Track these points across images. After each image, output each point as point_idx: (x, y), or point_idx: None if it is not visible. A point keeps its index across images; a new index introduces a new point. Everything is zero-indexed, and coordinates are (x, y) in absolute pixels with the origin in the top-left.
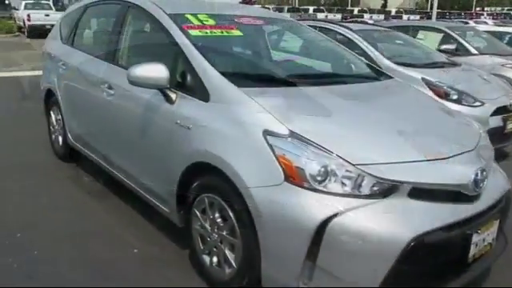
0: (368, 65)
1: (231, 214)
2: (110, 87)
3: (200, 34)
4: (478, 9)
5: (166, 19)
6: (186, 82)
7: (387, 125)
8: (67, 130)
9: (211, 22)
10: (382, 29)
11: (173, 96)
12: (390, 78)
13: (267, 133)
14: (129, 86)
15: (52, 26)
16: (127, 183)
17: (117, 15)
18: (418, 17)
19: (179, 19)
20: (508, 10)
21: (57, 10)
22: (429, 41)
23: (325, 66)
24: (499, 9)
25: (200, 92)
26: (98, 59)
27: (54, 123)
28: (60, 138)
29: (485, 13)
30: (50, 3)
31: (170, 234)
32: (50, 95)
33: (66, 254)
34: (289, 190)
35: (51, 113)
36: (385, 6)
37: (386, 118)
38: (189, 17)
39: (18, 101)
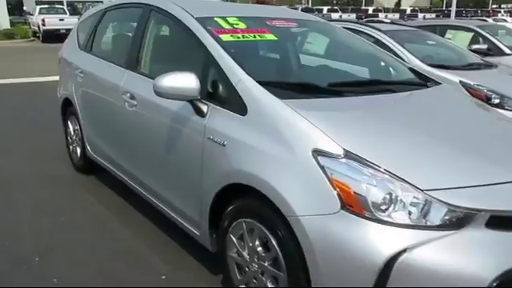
0: (410, 69)
1: (275, 243)
2: (132, 97)
3: (232, 38)
4: (494, 6)
5: (193, 23)
6: (218, 93)
7: (454, 141)
8: (86, 142)
9: (242, 25)
10: (412, 29)
11: (204, 108)
12: (438, 83)
13: (318, 152)
14: (153, 97)
15: (67, 30)
16: (152, 201)
17: (138, 20)
18: (433, 15)
19: (208, 23)
20: None
21: (71, 14)
22: (458, 41)
23: (363, 72)
24: None
25: (235, 104)
26: (118, 67)
27: (72, 134)
28: (78, 150)
29: (502, 10)
30: (65, 8)
31: (201, 259)
32: (67, 104)
33: (90, 282)
34: (347, 220)
35: (69, 123)
36: (398, 4)
37: (451, 132)
38: (218, 20)
39: (36, 108)
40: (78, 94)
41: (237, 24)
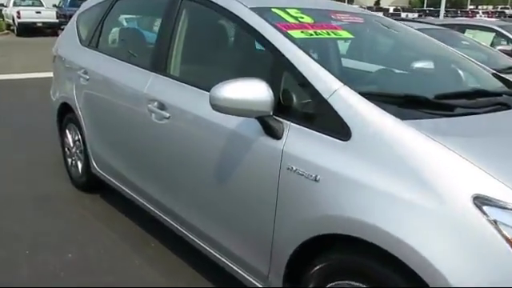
0: (495, 75)
1: None
2: (162, 107)
3: (304, 35)
4: (471, 7)
5: (250, 15)
6: (298, 108)
7: None
8: (91, 156)
9: (308, 19)
10: (441, 28)
11: (279, 128)
12: None
13: (482, 200)
14: (197, 109)
15: (44, 23)
16: (189, 237)
17: (165, 11)
18: (416, 14)
19: (267, 15)
20: (502, 8)
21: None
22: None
23: (457, 78)
24: (491, 7)
25: (330, 124)
26: (138, 68)
27: (71, 145)
28: (79, 164)
29: (480, 11)
30: None
31: None
32: (65, 110)
33: None
34: None
35: (67, 132)
36: (378, 3)
37: None
38: (278, 12)
39: (20, 110)
40: (80, 99)
41: (301, 17)
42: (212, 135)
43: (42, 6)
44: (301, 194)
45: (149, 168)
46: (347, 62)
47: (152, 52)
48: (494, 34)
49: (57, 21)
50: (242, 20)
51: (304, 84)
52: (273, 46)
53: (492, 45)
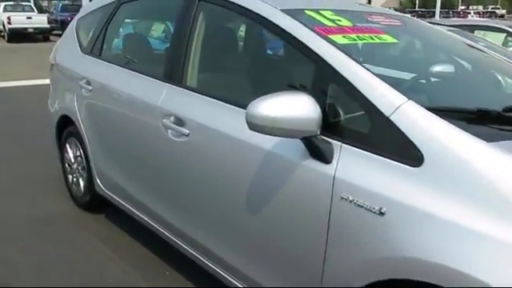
0: None
1: None
2: (179, 123)
3: (347, 41)
4: (462, 7)
5: (282, 18)
6: (352, 126)
7: None
8: (95, 174)
9: (346, 21)
10: (456, 29)
11: (327, 149)
12: None
13: None
14: (221, 125)
15: (35, 29)
16: (213, 269)
17: (179, 14)
18: (408, 15)
19: (302, 18)
20: (492, 8)
21: (41, 11)
22: None
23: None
24: (481, 7)
25: (395, 146)
26: (148, 78)
27: (72, 161)
28: (81, 182)
29: (471, 11)
30: (32, 5)
31: None
32: (65, 122)
33: None
34: None
35: (67, 146)
36: (369, 3)
37: None
38: (312, 14)
39: (14, 119)
40: (82, 111)
41: (338, 20)
42: (243, 157)
43: (34, 11)
44: (359, 229)
45: (163, 189)
46: (397, 72)
47: (165, 60)
48: (505, 35)
49: (48, 26)
50: (272, 24)
51: (357, 98)
52: (314, 53)
53: (503, 45)
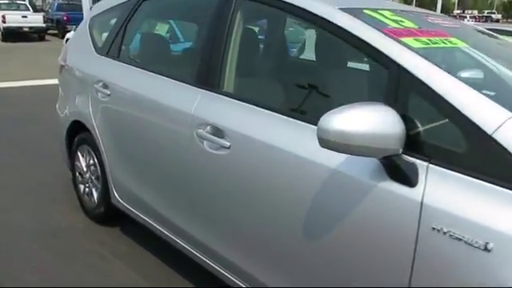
0: None
1: None
2: (218, 134)
3: (421, 45)
4: (458, 11)
5: (343, 17)
6: (441, 144)
7: None
8: (112, 185)
9: (409, 23)
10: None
11: (411, 170)
12: None
13: None
14: (273, 138)
15: (31, 28)
16: None
17: (213, 12)
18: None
19: (364, 18)
20: (488, 13)
21: (36, 10)
22: None
23: None
24: (476, 11)
25: (502, 170)
26: (178, 83)
27: (84, 170)
28: (95, 193)
29: (467, 15)
30: (27, 3)
31: None
32: (76, 128)
33: None
34: None
35: (79, 154)
36: None
37: None
38: (372, 14)
39: (14, 122)
40: (98, 117)
41: (401, 21)
42: (302, 176)
43: (29, 10)
44: (457, 266)
45: (193, 205)
46: (497, 82)
47: (197, 63)
48: None
49: (44, 25)
50: (332, 24)
51: (447, 111)
52: (386, 57)
53: None
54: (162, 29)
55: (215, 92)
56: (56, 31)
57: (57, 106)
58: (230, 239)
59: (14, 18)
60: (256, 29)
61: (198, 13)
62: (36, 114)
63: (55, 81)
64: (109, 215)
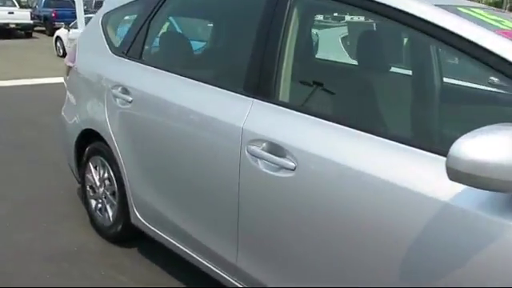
0: None
1: None
2: (279, 152)
3: None
4: None
5: (447, 16)
6: None
7: None
8: (132, 202)
9: (509, 23)
10: None
11: None
12: None
13: None
14: (359, 161)
15: (17, 25)
16: None
17: (264, 10)
18: None
19: (465, 17)
20: None
21: (22, 6)
22: None
23: None
24: None
25: None
26: (222, 90)
27: (97, 183)
28: (110, 210)
29: None
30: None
31: None
32: (88, 137)
33: None
34: None
35: (90, 166)
36: None
37: None
38: (469, 12)
39: (8, 124)
40: (116, 126)
41: (500, 21)
42: (398, 208)
43: (15, 6)
44: None
45: (244, 234)
46: None
47: (245, 68)
48: None
49: (31, 22)
50: (428, 23)
51: None
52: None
53: None
54: (227, 27)
55: (270, 102)
56: (43, 28)
57: (62, 111)
58: (290, 277)
59: (0, 15)
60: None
61: (242, 9)
62: (30, 116)
63: (46, 80)
64: (126, 235)
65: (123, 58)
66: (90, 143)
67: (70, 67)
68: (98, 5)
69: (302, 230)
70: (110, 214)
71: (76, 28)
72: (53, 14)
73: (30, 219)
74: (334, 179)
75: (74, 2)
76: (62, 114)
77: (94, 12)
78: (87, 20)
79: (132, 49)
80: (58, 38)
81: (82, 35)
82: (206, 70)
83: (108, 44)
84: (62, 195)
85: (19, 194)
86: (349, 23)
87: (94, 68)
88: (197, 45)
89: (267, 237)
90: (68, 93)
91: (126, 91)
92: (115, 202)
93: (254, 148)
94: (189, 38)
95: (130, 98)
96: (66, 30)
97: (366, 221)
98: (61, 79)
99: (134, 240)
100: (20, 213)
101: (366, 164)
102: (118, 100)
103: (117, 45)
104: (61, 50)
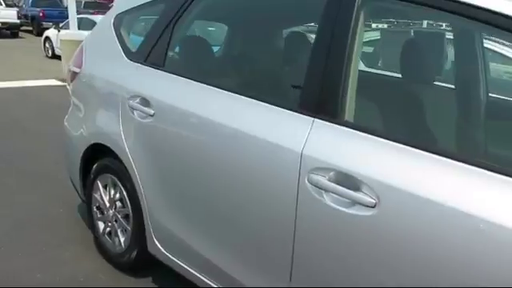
0: None
1: None
2: (352, 185)
3: None
4: None
5: None
6: None
7: None
8: (150, 228)
9: None
10: None
11: None
12: None
13: None
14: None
15: (3, 24)
16: None
17: (324, 12)
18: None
19: None
20: None
21: (8, 5)
22: None
23: None
24: None
25: None
26: (270, 106)
27: (106, 205)
28: (121, 235)
29: None
30: None
31: None
32: (97, 152)
33: None
34: None
35: (98, 184)
36: None
37: None
38: None
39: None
40: (132, 141)
41: None
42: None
43: (1, 4)
44: None
45: (306, 275)
46: None
47: (302, 81)
48: None
49: (18, 21)
50: None
51: None
52: None
53: None
54: (275, 31)
55: (335, 122)
56: (30, 28)
57: (65, 121)
58: None
59: None
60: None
61: (295, 13)
62: (20, 122)
63: (34, 82)
64: (140, 264)
65: (142, 65)
66: (99, 159)
67: (75, 73)
68: (88, 5)
69: (380, 277)
70: (122, 239)
71: (67, 29)
72: (40, 14)
73: (28, 242)
74: (424, 217)
75: (61, 2)
76: (65, 124)
77: (85, 12)
78: (79, 21)
79: (152, 55)
80: (47, 39)
81: (90, 38)
82: (246, 81)
83: (122, 49)
84: (61, 214)
85: (14, 212)
86: (382, 30)
87: (105, 75)
88: (229, 52)
89: (333, 281)
90: (73, 101)
91: (146, 103)
92: (129, 227)
93: (317, 178)
94: (223, 44)
95: (152, 111)
96: (56, 31)
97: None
98: (50, 81)
99: (148, 268)
100: (16, 235)
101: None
102: (135, 112)
103: (133, 50)
104: (49, 51)
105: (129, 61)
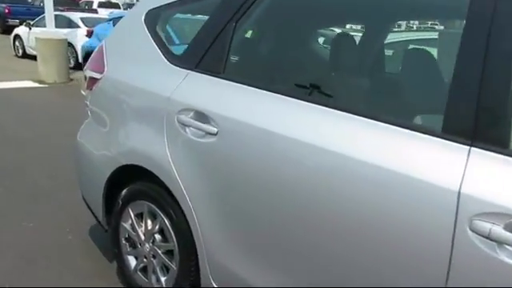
0: None
1: None
2: None
3: None
4: None
5: None
6: None
7: None
8: (207, 267)
9: None
10: None
11: None
12: None
13: None
14: None
15: None
16: None
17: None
18: None
19: None
20: None
21: None
22: None
23: None
24: None
25: None
26: (391, 127)
27: (141, 237)
28: (161, 274)
29: None
30: None
31: None
32: (127, 175)
33: None
34: None
35: (130, 212)
36: None
37: None
38: None
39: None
40: (184, 165)
41: None
42: None
43: None
44: None
45: None
46: None
47: (445, 98)
48: None
49: None
50: None
51: None
52: None
53: None
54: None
55: (502, 153)
56: None
57: (79, 136)
58: None
59: None
60: None
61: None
62: (4, 130)
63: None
64: None
65: (193, 72)
66: (130, 183)
67: (93, 79)
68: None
69: None
70: (163, 279)
71: (39, 26)
72: (6, 10)
73: (40, 277)
74: None
75: None
76: (80, 140)
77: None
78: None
79: (207, 59)
80: (17, 37)
81: (112, 38)
82: (352, 92)
83: (162, 51)
84: (72, 242)
85: (18, 239)
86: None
87: (138, 82)
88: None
89: None
90: (92, 113)
91: (204, 118)
92: (174, 265)
93: (485, 226)
94: (313, 47)
95: (215, 129)
96: (27, 28)
97: None
98: (26, 83)
99: None
100: (23, 270)
101: None
102: (188, 129)
103: (177, 53)
104: (20, 50)
105: (173, 66)
